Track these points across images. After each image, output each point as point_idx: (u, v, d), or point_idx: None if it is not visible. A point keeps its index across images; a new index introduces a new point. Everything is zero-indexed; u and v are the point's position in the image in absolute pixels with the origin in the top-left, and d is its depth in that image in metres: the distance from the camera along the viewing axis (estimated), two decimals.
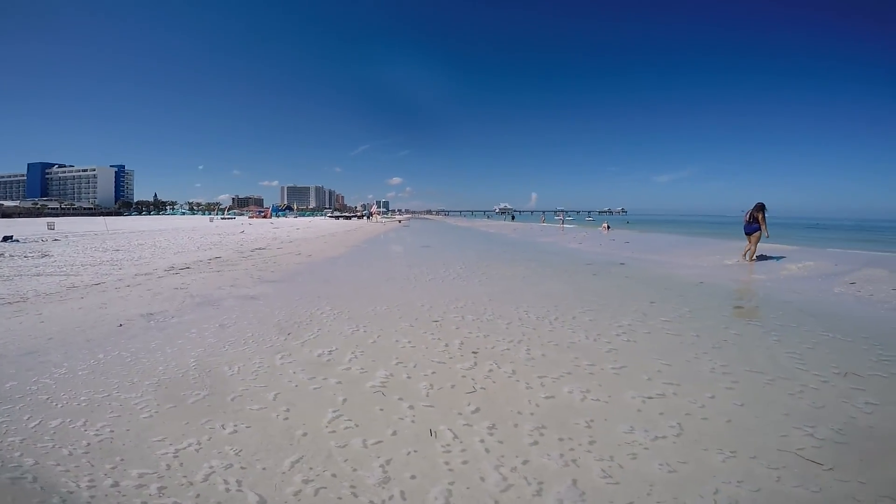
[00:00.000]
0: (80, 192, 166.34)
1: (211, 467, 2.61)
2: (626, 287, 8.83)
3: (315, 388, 3.80)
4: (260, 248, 16.89)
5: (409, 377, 4.10)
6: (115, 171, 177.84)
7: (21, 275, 9.76)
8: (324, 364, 4.39)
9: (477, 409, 3.46)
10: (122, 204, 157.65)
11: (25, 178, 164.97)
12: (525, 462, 2.74)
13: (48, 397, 3.52)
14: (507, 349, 4.86)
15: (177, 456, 2.72)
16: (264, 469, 2.63)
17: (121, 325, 5.72)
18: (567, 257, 14.92)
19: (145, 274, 9.74)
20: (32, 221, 53.63)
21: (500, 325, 5.85)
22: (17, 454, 2.70)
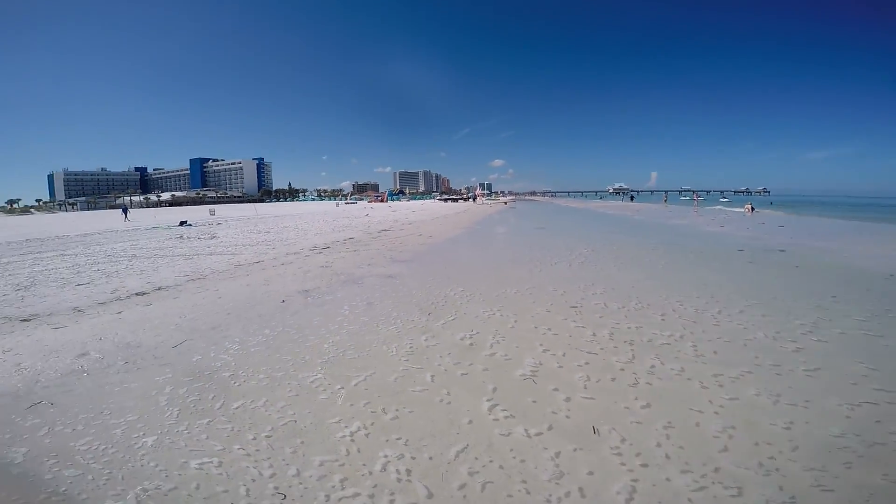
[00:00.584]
0: (230, 183, 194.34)
1: (386, 456, 2.65)
2: (796, 278, 7.47)
3: (463, 374, 3.78)
4: (385, 230, 17.98)
5: (560, 366, 3.90)
6: (257, 164, 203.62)
7: (198, 254, 11.62)
8: (467, 348, 4.39)
9: (647, 405, 3.15)
10: (264, 192, 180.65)
11: (189, 171, 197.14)
12: (716, 469, 2.41)
13: (230, 374, 3.89)
14: (668, 343, 4.38)
15: (353, 440, 2.81)
16: (431, 458, 2.63)
17: (283, 301, 6.42)
18: (711, 242, 13.23)
19: (294, 253, 10.93)
20: (197, 209, 64.35)
21: (652, 316, 5.32)
22: (204, 437, 2.87)
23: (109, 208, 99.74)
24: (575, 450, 2.68)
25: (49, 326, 5.59)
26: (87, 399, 3.44)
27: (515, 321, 5.22)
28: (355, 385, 3.59)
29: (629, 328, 4.88)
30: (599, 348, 4.31)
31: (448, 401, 3.33)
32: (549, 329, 4.90)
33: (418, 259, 10.16)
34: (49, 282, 8.36)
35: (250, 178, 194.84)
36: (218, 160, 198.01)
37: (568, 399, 3.32)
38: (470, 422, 3.03)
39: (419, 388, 3.53)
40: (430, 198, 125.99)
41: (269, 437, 2.86)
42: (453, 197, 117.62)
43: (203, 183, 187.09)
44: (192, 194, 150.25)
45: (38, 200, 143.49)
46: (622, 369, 3.81)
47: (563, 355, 4.15)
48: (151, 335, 5.04)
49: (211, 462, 2.59)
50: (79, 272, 9.32)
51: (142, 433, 2.93)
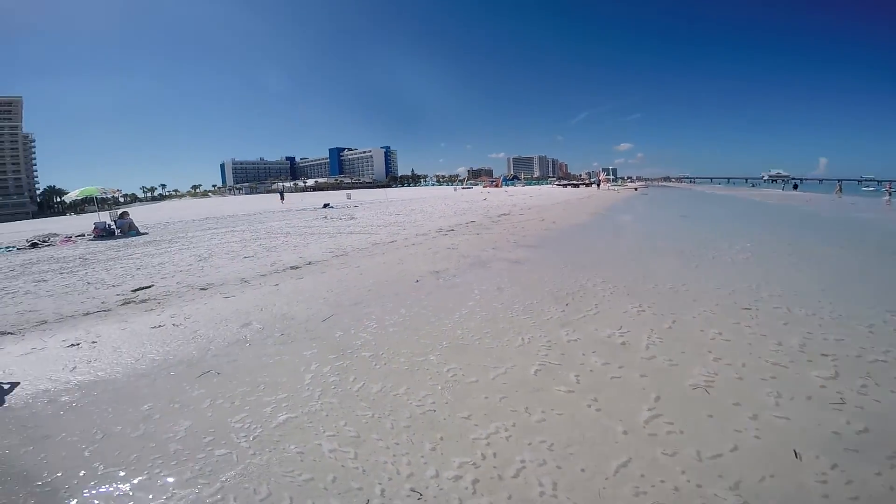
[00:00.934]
0: (362, 170, 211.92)
1: (522, 462, 2.37)
2: None
3: (614, 377, 3.30)
4: (504, 214, 17.68)
5: (739, 377, 3.21)
6: (384, 152, 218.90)
7: (340, 233, 12.63)
8: (617, 347, 3.86)
9: (864, 430, 2.45)
10: (391, 178, 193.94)
11: (328, 160, 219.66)
12: None
13: (370, 354, 3.91)
14: (885, 361, 3.41)
15: (489, 443, 2.56)
16: (583, 471, 2.27)
17: (417, 280, 6.51)
18: None
19: (422, 234, 11.24)
20: (336, 193, 71.47)
21: (856, 327, 4.17)
22: (342, 423, 2.81)
23: (266, 192, 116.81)
24: (769, 476, 2.13)
25: (221, 296, 6.44)
26: (246, 371, 3.67)
27: (673, 321, 4.49)
28: (493, 379, 3.35)
29: (825, 339, 3.87)
30: (789, 360, 3.47)
31: (598, 406, 2.91)
32: (720, 333, 4.10)
33: (545, 245, 9.63)
34: (222, 254, 9.80)
35: (379, 165, 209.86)
36: (352, 149, 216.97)
37: (755, 417, 2.69)
38: (626, 433, 2.59)
39: (563, 389, 3.15)
40: (547, 183, 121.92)
41: (408, 427, 2.75)
42: (573, 182, 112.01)
43: (340, 170, 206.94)
44: (332, 180, 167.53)
45: (213, 185, 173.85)
46: (822, 386, 3.03)
47: (743, 365, 3.41)
48: (303, 308, 5.46)
49: (347, 453, 2.51)
50: (245, 246, 10.79)
51: (287, 413, 2.98)
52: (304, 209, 24.50)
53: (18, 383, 3.64)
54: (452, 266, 7.33)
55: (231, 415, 2.98)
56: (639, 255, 8.27)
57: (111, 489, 2.32)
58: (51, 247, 13.96)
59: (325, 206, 24.59)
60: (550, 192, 51.41)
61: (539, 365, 3.55)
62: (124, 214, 16.06)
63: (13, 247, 14.47)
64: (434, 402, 3.04)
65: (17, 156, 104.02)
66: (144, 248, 11.65)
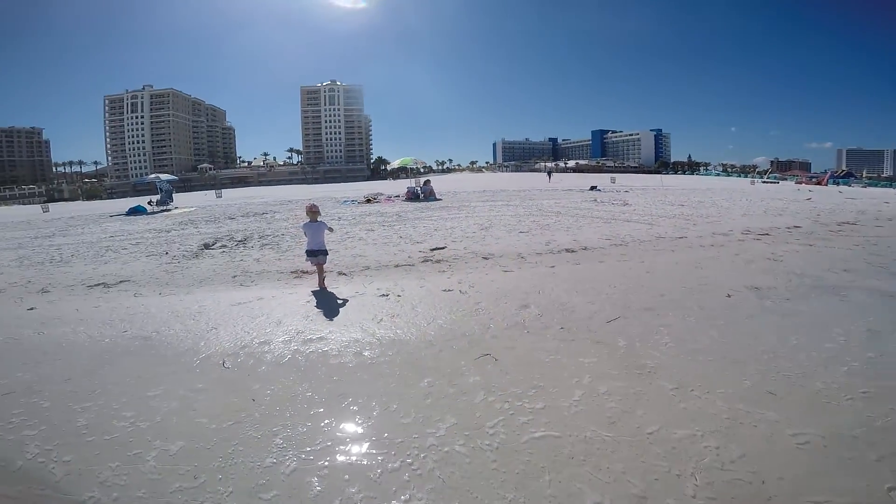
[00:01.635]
0: (627, 153, 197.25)
1: None
2: None
3: None
4: (846, 223, 12.79)
5: None
6: (655, 135, 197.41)
7: (615, 219, 11.60)
8: None
9: None
10: (661, 163, 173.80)
11: (590, 142, 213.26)
12: None
13: (672, 386, 3.12)
14: None
15: None
16: None
17: (729, 295, 5.08)
18: None
19: (723, 234, 9.12)
20: (598, 176, 68.40)
21: None
22: (621, 471, 2.25)
23: (530, 171, 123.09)
24: None
25: (500, 269, 6.58)
26: (522, 366, 3.37)
27: None
28: None
29: None
30: None
31: None
32: None
33: None
34: (500, 226, 10.32)
35: (647, 149, 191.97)
36: (616, 132, 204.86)
37: None
38: None
39: None
40: None
41: None
42: None
43: (603, 153, 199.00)
44: (593, 163, 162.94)
45: (486, 162, 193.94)
46: None
47: None
48: (584, 300, 4.95)
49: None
50: (520, 221, 11.12)
51: (545, 430, 2.51)
52: (569, 189, 24.17)
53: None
54: (781, 285, 5.46)
55: (490, 417, 2.69)
56: None
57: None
58: (378, 203, 18.10)
59: (593, 188, 23.56)
60: None
61: None
62: (427, 182, 19.31)
63: (356, 200, 19.46)
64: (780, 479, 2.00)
65: (362, 133, 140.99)
66: (440, 212, 13.59)
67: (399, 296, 5.38)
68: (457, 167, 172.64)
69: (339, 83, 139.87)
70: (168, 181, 21.36)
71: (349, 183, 66.94)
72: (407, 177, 26.92)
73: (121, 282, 6.93)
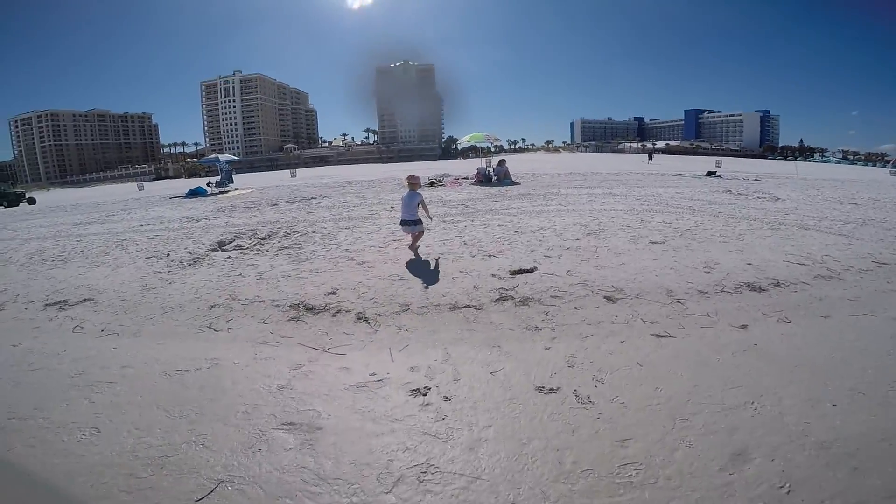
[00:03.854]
0: (727, 135, 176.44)
1: None
2: None
3: None
4: None
5: None
6: (761, 116, 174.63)
7: (783, 224, 7.83)
8: None
9: None
10: (767, 147, 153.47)
11: (683, 122, 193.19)
12: None
13: None
14: None
15: None
16: None
17: None
18: None
19: None
20: (693, 158, 60.11)
21: None
22: None
23: (612, 152, 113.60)
24: None
25: (645, 328, 3.55)
26: None
27: None
28: None
29: None
30: None
31: None
32: None
33: None
34: (616, 229, 7.07)
35: (751, 132, 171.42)
36: (714, 112, 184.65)
37: None
38: None
39: None
40: None
41: None
42: None
43: (697, 134, 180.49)
44: (686, 144, 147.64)
45: (563, 142, 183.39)
46: None
47: None
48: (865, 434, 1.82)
49: None
50: (643, 222, 7.75)
51: None
52: (680, 174, 19.55)
53: None
54: None
55: None
56: None
57: None
58: (442, 186, 15.36)
59: (710, 173, 18.79)
60: None
61: None
62: (502, 162, 16.16)
63: None
64: None
65: (435, 112, 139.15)
66: (520, 201, 10.49)
67: (447, 398, 2.64)
68: (530, 147, 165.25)
69: (411, 63, 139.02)
70: (227, 161, 20.23)
71: (420, 162, 65.15)
72: (477, 156, 23.84)
73: (84, 300, 5.02)
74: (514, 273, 4.82)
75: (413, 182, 5.88)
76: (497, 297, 4.19)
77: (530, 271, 4.86)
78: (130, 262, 6.81)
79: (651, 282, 4.59)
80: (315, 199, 13.29)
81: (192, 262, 6.42)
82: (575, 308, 3.95)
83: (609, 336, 3.48)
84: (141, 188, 29.90)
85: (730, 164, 37.75)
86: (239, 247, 7.03)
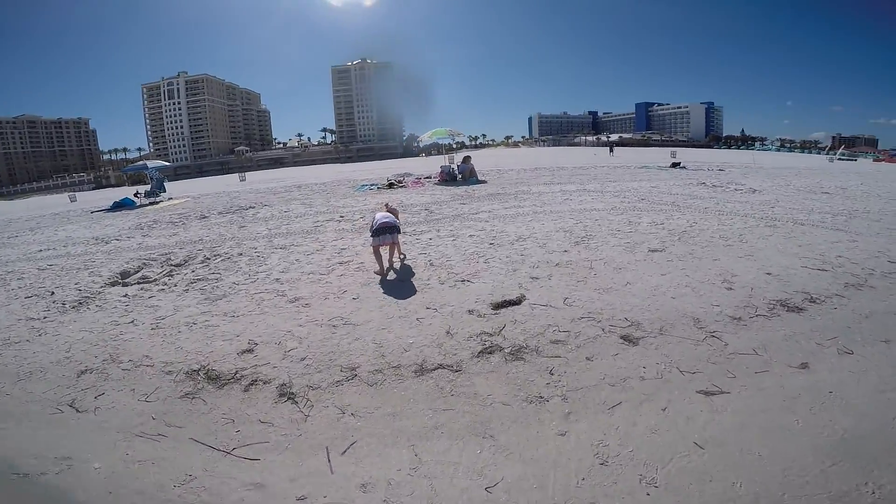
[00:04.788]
0: (675, 127, 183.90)
1: None
2: None
3: None
4: None
5: None
6: (706, 108, 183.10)
7: (780, 220, 7.19)
8: None
9: None
10: (712, 137, 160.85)
11: (634, 115, 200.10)
12: None
13: None
14: None
15: None
16: None
17: None
18: None
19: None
20: (646, 150, 61.54)
21: None
22: None
23: (569, 145, 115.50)
24: None
25: (686, 382, 2.56)
26: None
27: None
28: None
29: None
30: None
31: None
32: None
33: None
34: (604, 234, 6.13)
35: (697, 123, 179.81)
36: (663, 104, 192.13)
37: None
38: None
39: None
40: None
41: None
42: None
43: (647, 126, 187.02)
44: (637, 136, 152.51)
45: (522, 137, 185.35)
46: None
47: None
48: None
49: None
50: (630, 223, 6.85)
51: None
52: (646, 166, 19.15)
53: None
54: None
55: None
56: None
57: None
58: (403, 188, 14.11)
59: (675, 165, 18.54)
60: None
61: None
62: (467, 159, 15.06)
63: (375, 185, 15.52)
64: None
65: (395, 110, 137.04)
66: (490, 203, 9.41)
67: None
68: (491, 142, 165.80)
69: (369, 61, 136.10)
70: (157, 168, 17.94)
71: (380, 161, 63.28)
72: (439, 153, 22.66)
73: None
74: (498, 306, 3.71)
75: (392, 210, 5.28)
76: (480, 347, 3.07)
77: (517, 303, 3.77)
78: (4, 303, 5.25)
79: (669, 307, 3.62)
80: (253, 208, 11.64)
81: (77, 303, 4.92)
82: (587, 359, 2.90)
83: (644, 402, 2.45)
84: (73, 199, 26.72)
85: (683, 155, 38.44)
86: (144, 278, 5.56)
